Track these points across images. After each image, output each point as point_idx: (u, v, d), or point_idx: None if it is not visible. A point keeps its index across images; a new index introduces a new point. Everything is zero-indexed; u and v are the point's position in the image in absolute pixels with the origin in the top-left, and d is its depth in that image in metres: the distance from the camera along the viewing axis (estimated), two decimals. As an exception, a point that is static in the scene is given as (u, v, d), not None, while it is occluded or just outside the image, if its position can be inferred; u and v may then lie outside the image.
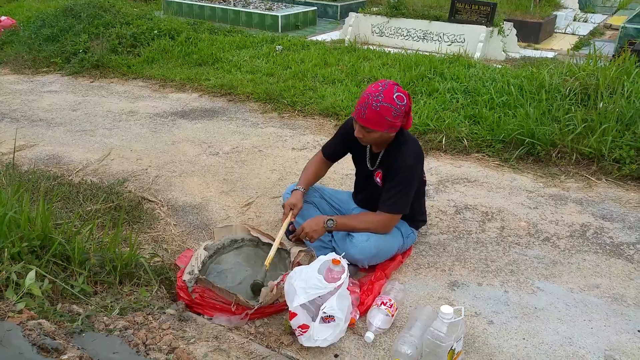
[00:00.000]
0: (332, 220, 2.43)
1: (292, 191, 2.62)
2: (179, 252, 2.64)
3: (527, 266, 2.63)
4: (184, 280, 2.17)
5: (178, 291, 2.20)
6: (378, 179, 2.52)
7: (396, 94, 2.25)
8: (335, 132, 2.74)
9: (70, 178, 3.41)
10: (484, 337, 2.13)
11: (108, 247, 2.29)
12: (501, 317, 2.25)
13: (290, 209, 2.53)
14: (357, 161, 2.67)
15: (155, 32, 7.16)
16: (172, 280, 2.34)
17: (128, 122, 4.66)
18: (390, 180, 2.41)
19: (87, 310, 1.93)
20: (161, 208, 3.12)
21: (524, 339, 2.13)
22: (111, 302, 2.06)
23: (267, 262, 2.29)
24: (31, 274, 1.84)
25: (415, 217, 2.67)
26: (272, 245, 2.49)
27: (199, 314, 2.14)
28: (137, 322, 1.94)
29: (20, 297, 1.78)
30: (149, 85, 5.90)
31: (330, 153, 2.73)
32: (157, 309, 2.08)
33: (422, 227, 2.84)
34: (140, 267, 2.31)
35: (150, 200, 3.20)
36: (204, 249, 2.36)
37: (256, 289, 2.27)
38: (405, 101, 2.27)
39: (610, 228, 2.99)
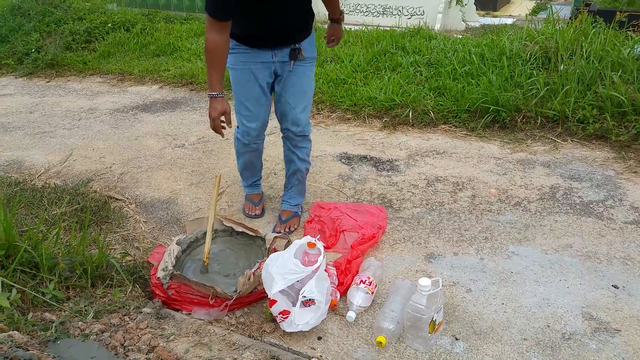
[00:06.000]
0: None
1: (211, 99, 2.29)
2: (151, 249, 2.58)
3: (500, 232, 2.66)
4: (158, 277, 2.12)
5: (153, 289, 2.15)
6: None
7: None
8: None
9: (32, 182, 3.30)
10: (464, 306, 2.15)
11: (76, 250, 2.22)
12: (479, 285, 2.28)
13: (223, 125, 2.32)
14: None
15: (110, 25, 6.97)
16: (146, 279, 2.29)
17: (88, 120, 4.53)
18: None
19: (61, 316, 1.88)
20: (129, 206, 3.05)
21: (502, 303, 2.16)
22: (85, 306, 2.01)
23: (205, 256, 2.26)
24: (-4, 286, 1.78)
25: None
26: (246, 233, 2.46)
27: (177, 310, 2.10)
28: (114, 324, 1.90)
29: (-13, 311, 1.72)
30: (107, 80, 5.75)
31: (228, 10, 2.16)
32: (133, 309, 2.03)
33: None
34: (112, 268, 2.25)
35: (117, 199, 3.12)
36: (177, 243, 2.31)
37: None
38: None
39: (579, 188, 3.05)
